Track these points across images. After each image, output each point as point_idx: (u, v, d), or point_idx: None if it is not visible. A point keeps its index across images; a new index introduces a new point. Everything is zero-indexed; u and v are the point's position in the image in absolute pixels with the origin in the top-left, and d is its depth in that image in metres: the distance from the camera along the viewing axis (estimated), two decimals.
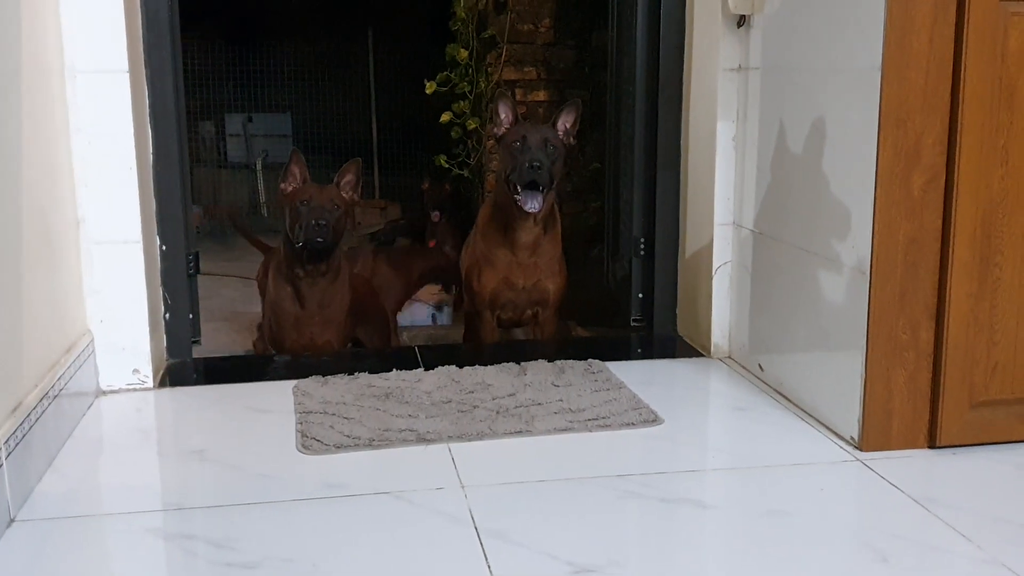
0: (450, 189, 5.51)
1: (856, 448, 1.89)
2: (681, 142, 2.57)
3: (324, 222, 2.69)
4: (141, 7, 2.25)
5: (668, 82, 2.56)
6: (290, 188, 2.82)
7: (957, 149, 1.79)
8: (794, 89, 2.09)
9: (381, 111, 7.31)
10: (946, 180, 1.81)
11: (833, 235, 1.94)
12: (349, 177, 2.85)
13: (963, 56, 1.75)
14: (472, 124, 4.80)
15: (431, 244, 5.28)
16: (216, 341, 3.58)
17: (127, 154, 2.18)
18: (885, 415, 1.88)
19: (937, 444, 1.88)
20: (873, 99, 1.78)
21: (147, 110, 2.29)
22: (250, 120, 7.27)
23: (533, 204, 2.65)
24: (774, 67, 2.18)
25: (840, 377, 1.94)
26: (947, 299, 1.84)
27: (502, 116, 2.77)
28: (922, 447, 1.89)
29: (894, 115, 1.78)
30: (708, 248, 2.45)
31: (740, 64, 2.32)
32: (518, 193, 2.67)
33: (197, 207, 6.69)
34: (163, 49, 2.30)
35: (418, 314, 4.59)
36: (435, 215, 5.53)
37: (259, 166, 7.14)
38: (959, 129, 1.78)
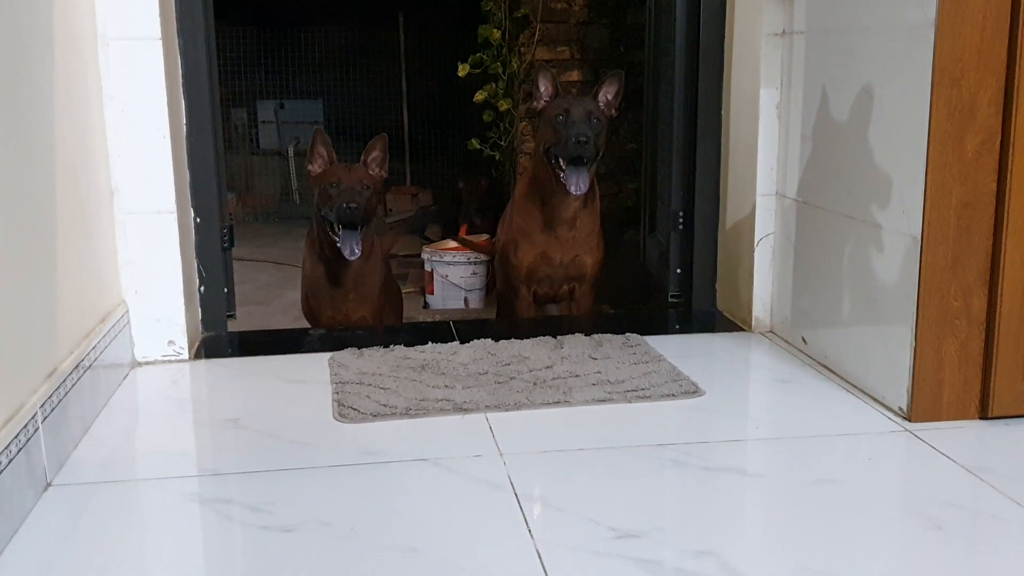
0: (487, 184, 5.48)
1: (905, 419, 1.84)
2: (722, 111, 2.52)
3: (355, 205, 2.68)
4: None
5: (709, 49, 2.50)
6: (318, 169, 2.80)
7: (1014, 108, 1.72)
8: (841, 51, 2.03)
9: (412, 97, 7.30)
10: (1001, 141, 1.75)
11: (882, 201, 1.88)
12: (376, 154, 2.83)
13: (1021, 11, 1.69)
14: (504, 105, 4.75)
15: (463, 229, 5.25)
16: (250, 324, 3.58)
17: (160, 123, 2.16)
18: (935, 385, 1.83)
19: (989, 415, 1.83)
20: (926, 57, 1.72)
21: (180, 79, 2.27)
22: (282, 107, 7.29)
23: (579, 186, 2.60)
24: (820, 30, 2.12)
25: (888, 347, 1.88)
26: (1001, 265, 1.77)
27: (542, 89, 2.73)
28: (973, 418, 1.84)
29: (948, 73, 1.72)
30: (749, 219, 2.40)
31: (784, 29, 2.26)
32: (561, 169, 2.63)
33: (230, 194, 6.72)
34: (195, 18, 2.28)
35: (450, 296, 4.57)
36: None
37: (291, 153, 7.15)
38: (1016, 88, 1.72)
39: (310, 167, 2.82)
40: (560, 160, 2.62)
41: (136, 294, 2.21)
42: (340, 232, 2.71)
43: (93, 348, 1.91)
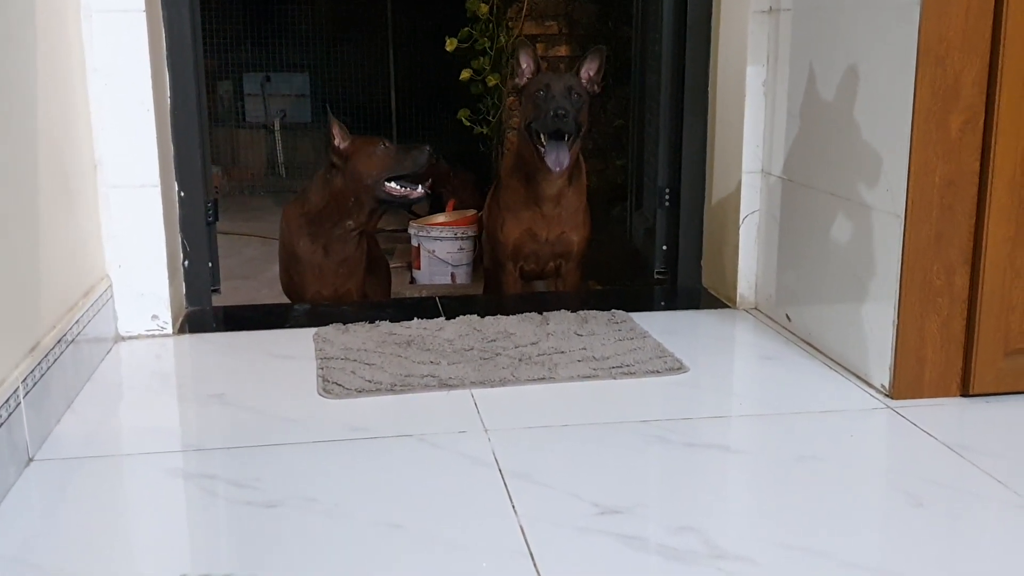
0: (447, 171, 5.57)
1: (887, 396, 1.85)
2: (709, 88, 2.51)
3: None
4: None
5: (696, 25, 2.49)
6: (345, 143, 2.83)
7: (997, 88, 1.72)
8: (828, 29, 2.03)
9: (400, 70, 7.24)
10: (985, 120, 1.75)
11: (867, 179, 1.88)
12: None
13: None
14: (492, 81, 4.73)
15: (450, 204, 5.23)
16: (235, 299, 3.57)
17: (144, 96, 2.14)
18: (917, 362, 1.84)
19: (970, 392, 1.84)
20: (911, 36, 1.72)
21: (164, 51, 2.25)
22: (268, 80, 7.22)
23: (558, 162, 2.60)
24: (807, 7, 2.11)
25: (871, 324, 1.89)
26: (983, 244, 1.78)
27: (523, 66, 2.72)
28: (955, 395, 1.85)
29: (933, 52, 1.72)
30: (735, 196, 2.40)
31: (771, 6, 2.26)
32: (542, 145, 2.62)
33: (216, 167, 6.68)
34: None
35: (437, 272, 4.57)
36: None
37: (277, 126, 7.10)
38: (1000, 67, 1.72)
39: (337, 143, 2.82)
40: (541, 135, 2.61)
41: (120, 268, 2.20)
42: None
43: (76, 322, 1.90)
